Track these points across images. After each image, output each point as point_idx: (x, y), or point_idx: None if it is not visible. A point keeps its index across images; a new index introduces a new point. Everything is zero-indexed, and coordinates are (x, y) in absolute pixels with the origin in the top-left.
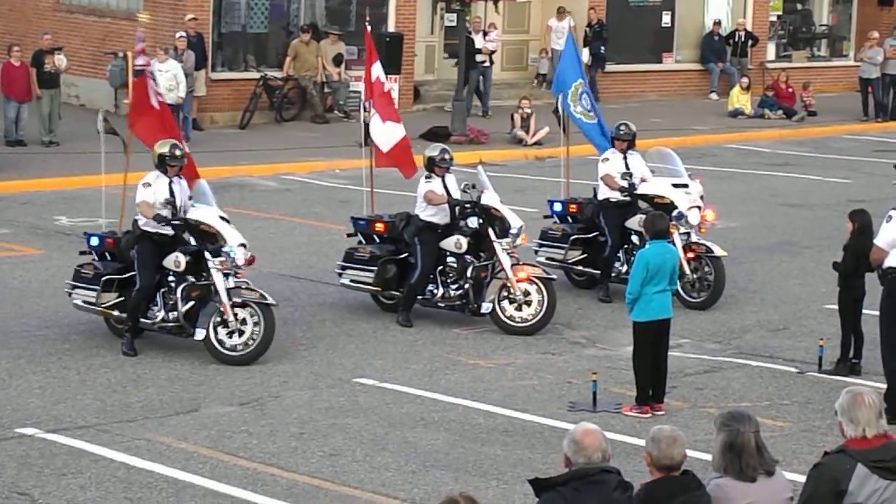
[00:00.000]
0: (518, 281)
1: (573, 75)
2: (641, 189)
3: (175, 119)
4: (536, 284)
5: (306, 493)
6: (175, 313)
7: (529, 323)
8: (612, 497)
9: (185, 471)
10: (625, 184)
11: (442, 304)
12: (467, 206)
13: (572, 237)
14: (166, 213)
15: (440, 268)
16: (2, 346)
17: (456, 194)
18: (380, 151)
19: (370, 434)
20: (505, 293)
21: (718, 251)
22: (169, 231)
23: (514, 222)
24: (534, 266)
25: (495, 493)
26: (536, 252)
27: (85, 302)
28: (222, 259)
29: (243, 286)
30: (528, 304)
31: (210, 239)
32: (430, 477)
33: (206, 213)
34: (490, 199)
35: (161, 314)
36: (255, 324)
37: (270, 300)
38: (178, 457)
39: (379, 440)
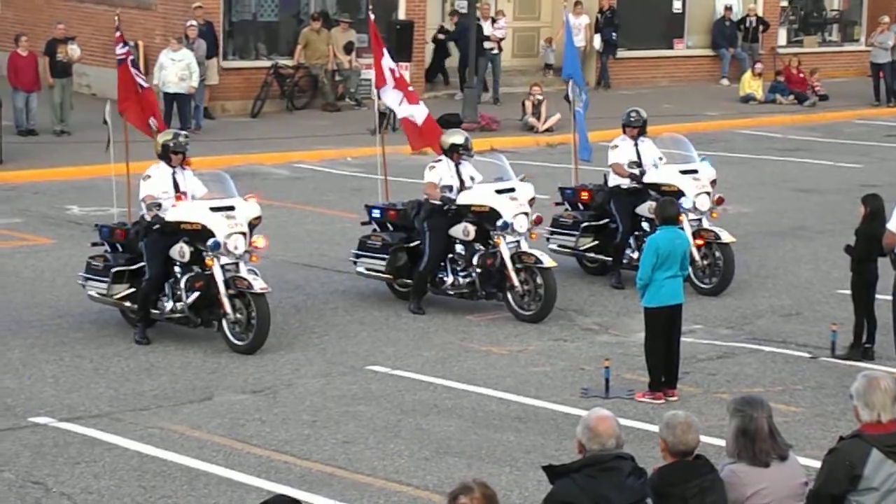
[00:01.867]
0: (515, 272)
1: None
2: (649, 178)
3: (156, 101)
4: (535, 273)
5: (320, 481)
6: (182, 304)
7: (530, 312)
8: (625, 483)
9: (199, 459)
10: (635, 172)
11: (451, 292)
12: (447, 206)
13: (583, 224)
14: (167, 203)
15: (450, 256)
16: (15, 336)
17: (477, 177)
18: (415, 133)
19: (383, 421)
20: (508, 283)
21: (727, 237)
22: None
23: (506, 214)
24: (530, 255)
25: (508, 479)
26: (548, 239)
27: (98, 293)
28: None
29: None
30: (529, 293)
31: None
32: (443, 464)
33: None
34: (471, 196)
35: (169, 305)
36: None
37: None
38: (192, 445)
39: (392, 427)
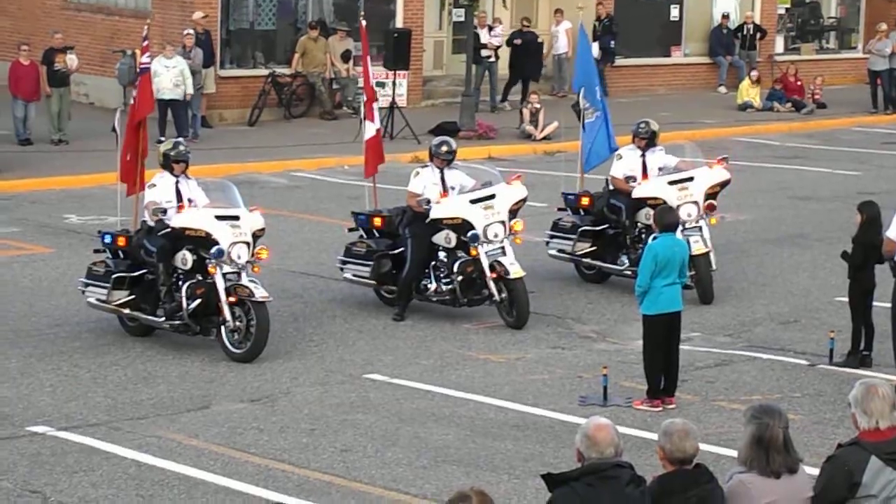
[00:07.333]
0: (491, 279)
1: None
2: (636, 192)
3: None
4: (503, 283)
5: (318, 489)
6: (182, 311)
7: (511, 319)
8: (624, 492)
9: (197, 468)
10: (629, 187)
11: (435, 299)
12: (424, 218)
13: (581, 229)
14: (171, 212)
15: (433, 263)
16: (13, 345)
17: (466, 183)
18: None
19: (381, 430)
20: (486, 291)
21: (697, 249)
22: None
23: (478, 225)
24: (501, 265)
25: (507, 487)
26: (548, 244)
27: (98, 300)
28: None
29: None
30: (502, 301)
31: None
32: (441, 472)
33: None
34: (444, 208)
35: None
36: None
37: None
38: (190, 454)
39: (390, 436)
